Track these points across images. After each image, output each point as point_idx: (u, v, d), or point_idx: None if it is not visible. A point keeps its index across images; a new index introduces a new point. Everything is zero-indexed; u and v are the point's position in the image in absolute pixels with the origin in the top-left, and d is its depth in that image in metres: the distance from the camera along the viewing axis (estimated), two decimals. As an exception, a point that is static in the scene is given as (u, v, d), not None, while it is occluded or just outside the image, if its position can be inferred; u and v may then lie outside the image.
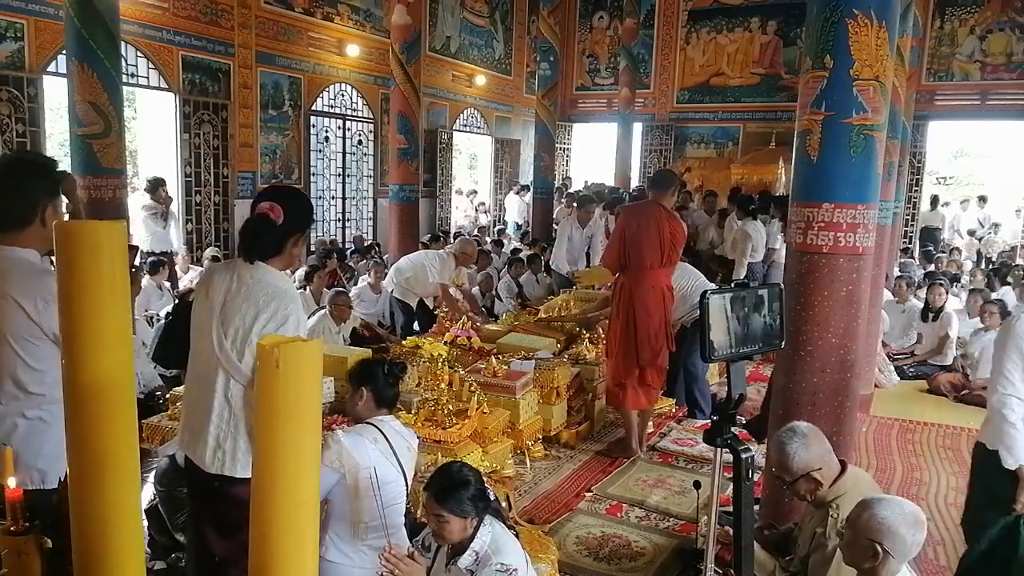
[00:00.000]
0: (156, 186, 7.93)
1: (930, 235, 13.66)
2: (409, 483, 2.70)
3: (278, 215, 2.27)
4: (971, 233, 14.20)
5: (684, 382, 5.58)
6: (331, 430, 2.72)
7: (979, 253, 13.04)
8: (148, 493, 3.42)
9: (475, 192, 15.73)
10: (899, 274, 8.15)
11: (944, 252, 11.82)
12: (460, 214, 14.88)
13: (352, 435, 2.55)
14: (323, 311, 5.78)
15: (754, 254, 7.88)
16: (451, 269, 6.69)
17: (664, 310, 4.73)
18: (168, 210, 7.94)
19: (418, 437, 3.01)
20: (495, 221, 15.10)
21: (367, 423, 2.66)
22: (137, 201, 7.94)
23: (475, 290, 8.22)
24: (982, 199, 14.89)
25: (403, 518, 2.68)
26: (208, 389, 2.32)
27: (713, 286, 5.42)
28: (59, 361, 2.14)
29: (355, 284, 7.95)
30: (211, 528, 2.44)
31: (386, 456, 2.56)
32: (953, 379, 6.40)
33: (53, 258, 2.26)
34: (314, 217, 2.45)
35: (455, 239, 9.36)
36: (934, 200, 14.07)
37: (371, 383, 2.69)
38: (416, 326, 6.91)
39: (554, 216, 11.84)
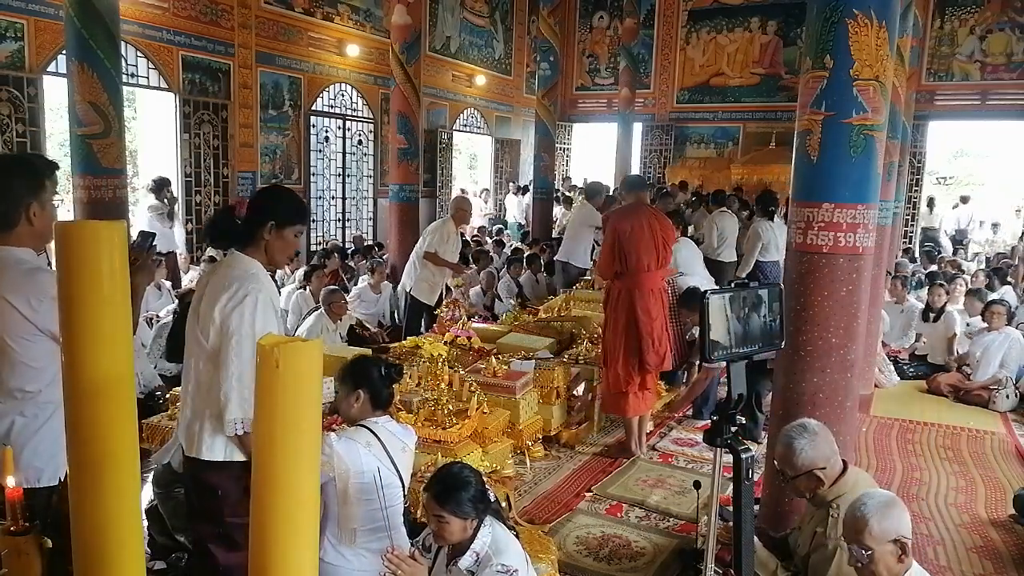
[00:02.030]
0: (161, 186, 7.93)
1: (930, 236, 13.66)
2: (406, 484, 2.69)
3: (243, 208, 2.43)
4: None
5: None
6: (331, 430, 2.72)
7: (960, 251, 12.96)
8: (148, 494, 3.42)
9: (487, 191, 15.52)
10: (893, 274, 8.14)
11: (944, 252, 11.81)
12: (509, 215, 14.72)
13: (344, 440, 2.53)
14: (320, 310, 5.79)
15: (765, 254, 7.88)
16: (453, 233, 6.66)
17: (664, 312, 4.73)
18: (173, 210, 7.95)
19: (417, 436, 3.00)
20: (495, 220, 15.08)
21: (360, 425, 2.64)
22: (144, 201, 7.97)
23: (476, 289, 8.23)
24: (964, 199, 14.90)
25: (402, 518, 2.68)
26: (188, 375, 2.47)
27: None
28: (57, 359, 2.16)
29: (356, 284, 7.96)
30: (191, 509, 2.62)
31: (380, 459, 2.55)
32: (953, 379, 6.40)
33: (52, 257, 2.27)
34: (294, 208, 2.49)
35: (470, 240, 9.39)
36: (930, 202, 14.07)
37: (367, 384, 2.66)
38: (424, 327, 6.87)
39: (555, 222, 11.84)
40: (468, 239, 10.57)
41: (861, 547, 2.14)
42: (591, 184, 8.81)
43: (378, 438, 2.59)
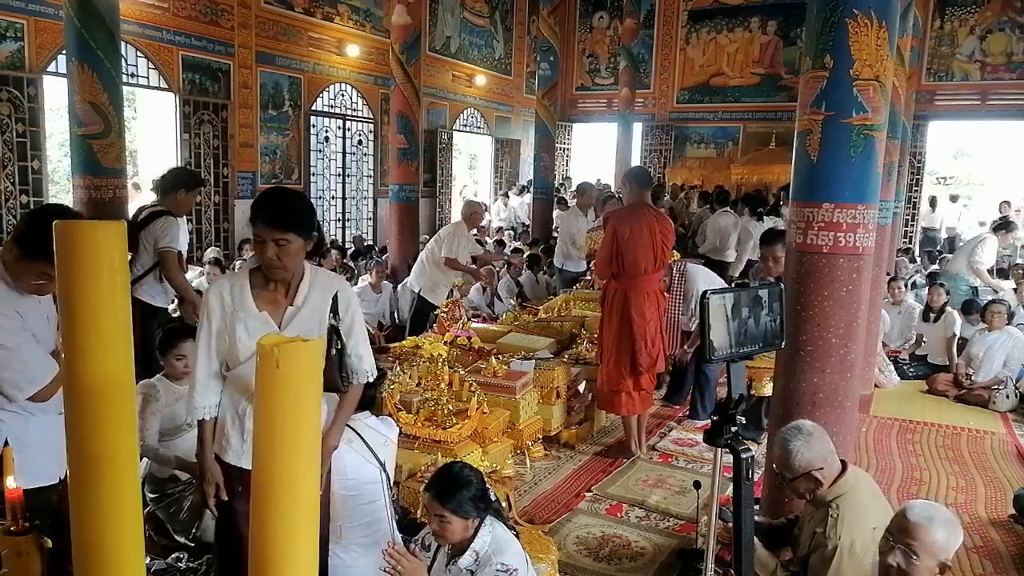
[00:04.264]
0: None
1: (931, 236, 13.66)
2: (391, 476, 2.71)
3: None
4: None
5: (695, 384, 5.58)
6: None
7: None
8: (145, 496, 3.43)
9: (507, 195, 14.96)
10: (892, 275, 8.15)
11: (945, 253, 11.81)
12: (494, 215, 14.37)
13: None
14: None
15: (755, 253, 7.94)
16: (465, 235, 6.71)
17: (659, 314, 4.73)
18: None
19: (398, 426, 3.02)
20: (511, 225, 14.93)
21: None
22: (146, 200, 7.95)
23: (476, 286, 8.23)
24: (953, 198, 14.94)
25: (387, 512, 2.69)
26: None
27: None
28: (38, 365, 2.21)
29: (354, 284, 7.96)
30: None
31: (363, 455, 2.57)
32: (953, 379, 6.40)
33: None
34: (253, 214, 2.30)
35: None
36: (932, 201, 14.07)
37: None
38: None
39: (554, 224, 11.84)
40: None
41: (911, 551, 2.04)
42: (579, 185, 8.89)
43: (359, 435, 2.60)
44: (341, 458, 2.52)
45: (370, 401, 2.76)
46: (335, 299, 2.35)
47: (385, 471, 2.64)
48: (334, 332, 2.34)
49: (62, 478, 2.32)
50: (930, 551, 2.04)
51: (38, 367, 2.26)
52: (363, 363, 2.42)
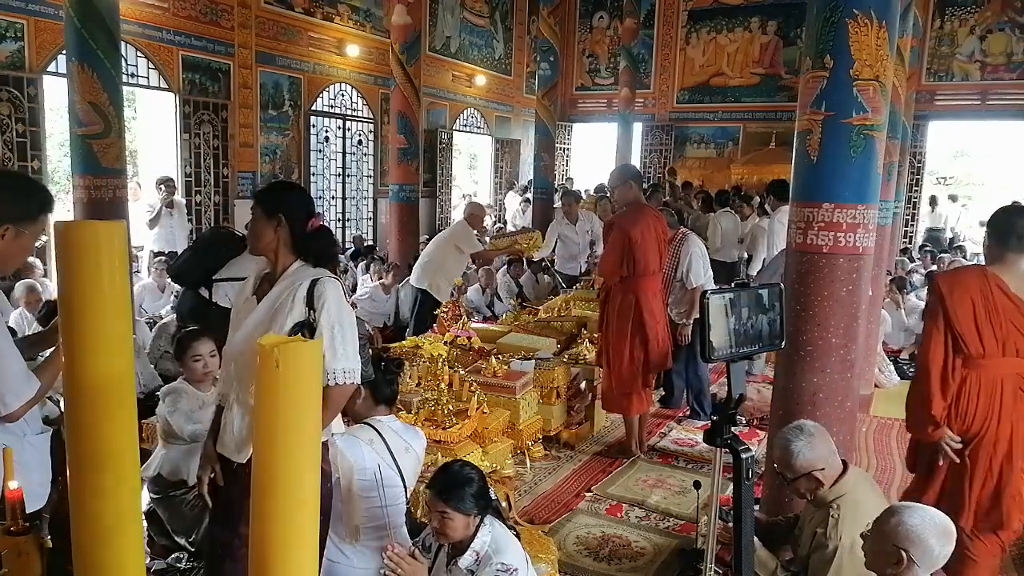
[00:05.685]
0: (159, 183, 7.93)
1: (932, 235, 13.66)
2: (409, 486, 2.69)
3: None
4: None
5: (687, 386, 5.58)
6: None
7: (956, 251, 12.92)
8: (145, 496, 3.42)
9: (527, 201, 14.30)
10: (892, 276, 8.15)
11: (947, 252, 11.81)
12: (510, 219, 14.23)
13: (347, 437, 2.55)
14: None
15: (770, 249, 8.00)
16: (471, 234, 6.84)
17: (664, 313, 4.83)
18: (163, 210, 7.91)
19: (426, 440, 2.99)
20: (495, 220, 14.97)
21: (364, 423, 2.65)
22: (148, 199, 8.03)
23: (475, 286, 8.23)
24: (952, 198, 14.93)
25: (404, 518, 2.68)
26: None
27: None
28: (9, 383, 2.09)
29: (351, 282, 7.97)
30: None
31: (382, 456, 2.56)
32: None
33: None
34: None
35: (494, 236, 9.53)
36: (932, 200, 14.06)
37: (367, 380, 2.68)
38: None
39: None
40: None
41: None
42: (567, 190, 9.01)
43: (381, 436, 2.59)
44: (361, 456, 2.51)
45: (389, 396, 2.76)
46: (311, 291, 2.16)
47: (403, 477, 2.63)
48: (303, 327, 2.13)
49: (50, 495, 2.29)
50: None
51: (18, 378, 2.03)
52: (334, 361, 2.13)
